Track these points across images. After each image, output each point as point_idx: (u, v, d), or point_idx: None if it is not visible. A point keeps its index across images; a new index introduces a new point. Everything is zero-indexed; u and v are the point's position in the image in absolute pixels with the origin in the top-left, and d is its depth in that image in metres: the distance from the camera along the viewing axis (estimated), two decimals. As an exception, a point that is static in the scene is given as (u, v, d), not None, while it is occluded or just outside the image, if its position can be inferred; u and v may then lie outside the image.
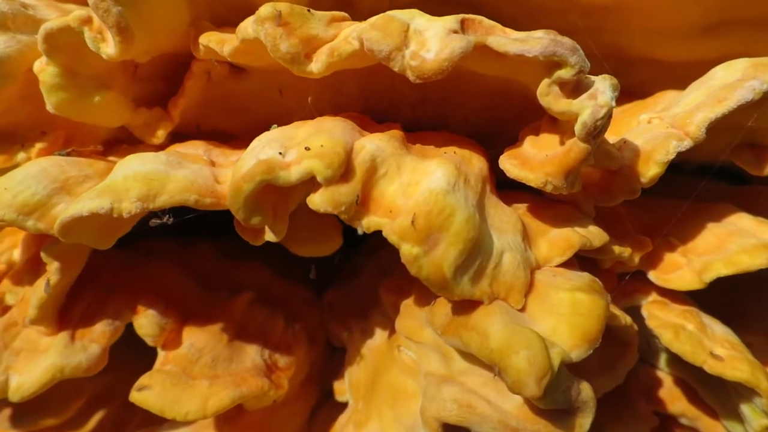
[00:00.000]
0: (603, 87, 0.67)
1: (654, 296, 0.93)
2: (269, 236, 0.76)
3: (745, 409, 0.86)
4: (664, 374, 1.05)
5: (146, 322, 0.89)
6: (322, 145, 0.66)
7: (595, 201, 0.86)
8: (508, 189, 0.84)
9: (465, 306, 0.70)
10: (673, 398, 1.02)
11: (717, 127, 0.88)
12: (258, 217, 0.68)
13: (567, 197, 0.84)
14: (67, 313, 0.87)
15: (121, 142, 0.96)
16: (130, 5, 0.76)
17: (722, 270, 0.83)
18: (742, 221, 0.91)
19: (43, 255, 0.79)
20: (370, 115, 0.96)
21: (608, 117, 0.67)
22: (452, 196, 0.66)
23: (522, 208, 0.83)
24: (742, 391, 0.85)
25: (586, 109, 0.66)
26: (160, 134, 0.92)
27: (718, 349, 0.83)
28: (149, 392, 0.80)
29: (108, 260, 1.00)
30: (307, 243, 0.98)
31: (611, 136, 0.86)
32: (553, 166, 0.72)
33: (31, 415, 1.05)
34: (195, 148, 0.88)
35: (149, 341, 0.89)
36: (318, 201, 0.66)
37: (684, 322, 0.86)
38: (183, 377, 0.83)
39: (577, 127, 0.67)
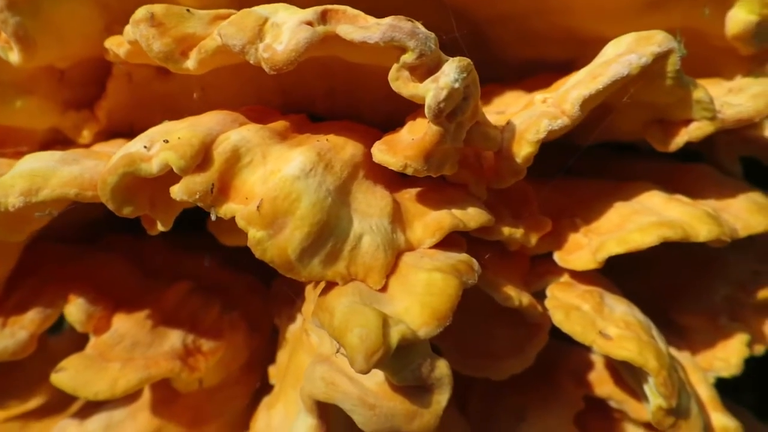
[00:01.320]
0: (448, 69, 0.68)
1: (565, 278, 0.93)
2: (159, 226, 0.80)
3: (646, 389, 0.85)
4: (597, 357, 1.04)
5: (74, 310, 0.95)
6: (179, 138, 0.70)
7: (489, 183, 0.86)
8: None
9: (327, 288, 0.73)
10: (601, 381, 1.01)
11: (625, 105, 0.87)
12: (129, 207, 0.73)
13: (457, 180, 0.85)
14: (2, 303, 0.95)
15: (56, 143, 1.03)
16: (28, 15, 0.82)
17: (614, 249, 0.82)
18: (651, 200, 0.90)
19: (-32, 249, 0.87)
20: (290, 107, 0.99)
21: (454, 98, 0.68)
22: (301, 182, 0.69)
23: (412, 192, 0.84)
24: (642, 371, 0.84)
25: (429, 92, 0.67)
26: (86, 134, 0.98)
27: (610, 328, 0.82)
28: (64, 374, 0.87)
29: (55, 254, 1.07)
30: (230, 232, 1.02)
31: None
32: (413, 149, 0.73)
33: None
34: (115, 146, 0.94)
35: (77, 327, 0.95)
36: (175, 190, 0.70)
37: (580, 302, 0.85)
38: (98, 360, 0.89)
39: (426, 110, 0.69)
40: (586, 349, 1.06)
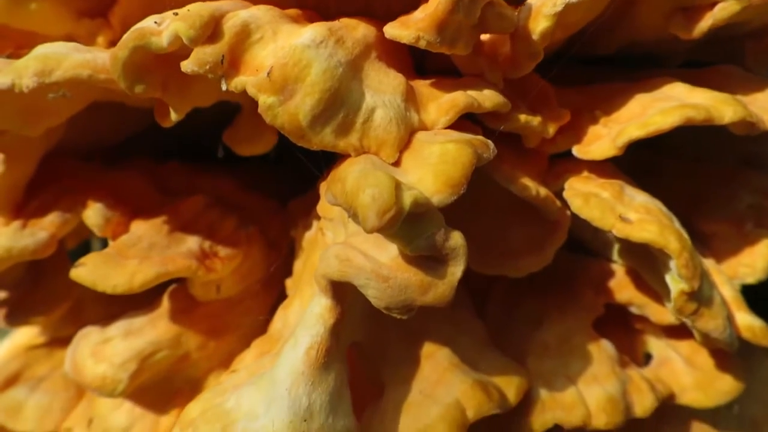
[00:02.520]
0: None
1: (585, 173, 0.91)
2: (173, 115, 0.80)
3: (667, 279, 0.83)
4: (617, 266, 1.03)
5: (92, 214, 0.96)
6: (188, 10, 0.70)
7: (505, 73, 0.84)
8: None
9: (339, 162, 0.72)
10: (621, 287, 0.99)
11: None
12: (141, 85, 0.73)
13: (472, 70, 0.83)
14: (23, 208, 0.96)
15: (72, 53, 1.03)
16: None
17: (635, 132, 0.80)
18: (674, 90, 0.87)
19: (-13, 147, 0.88)
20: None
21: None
22: (312, 50, 0.68)
23: (425, 81, 0.83)
24: (662, 259, 0.82)
25: (440, -46, 0.66)
26: (101, 41, 0.98)
27: (630, 214, 0.80)
28: (83, 268, 0.88)
29: (73, 168, 1.08)
30: (245, 142, 1.02)
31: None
32: (425, 21, 0.72)
33: (22, 312, 1.16)
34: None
35: (96, 231, 0.96)
36: (186, 63, 0.69)
37: (600, 190, 0.83)
38: (116, 257, 0.90)
39: (438, -24, 0.67)
40: (605, 260, 1.05)
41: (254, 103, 0.98)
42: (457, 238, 0.68)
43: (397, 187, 0.64)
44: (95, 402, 1.09)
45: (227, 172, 1.20)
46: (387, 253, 0.71)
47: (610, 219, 0.79)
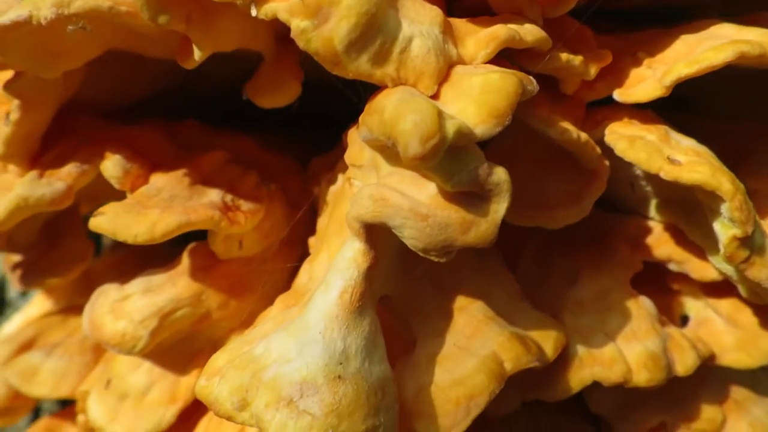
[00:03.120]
0: None
1: (626, 119, 0.86)
2: (196, 53, 0.77)
3: (716, 227, 0.78)
4: (654, 223, 0.98)
5: (111, 165, 0.93)
6: (216, -66, 0.66)
7: (544, 12, 0.80)
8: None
9: (374, 95, 0.68)
10: (659, 243, 0.95)
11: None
12: (165, 16, 0.69)
13: (509, 7, 0.79)
14: (39, 158, 0.93)
15: None
16: None
17: (684, 70, 0.76)
18: (722, 29, 0.82)
19: (4, 92, 0.85)
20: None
21: None
22: (347, -28, 0.64)
23: (461, 19, 0.79)
24: (711, 205, 0.78)
25: None
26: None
27: (679, 155, 0.76)
28: (103, 217, 0.85)
29: (90, 122, 1.05)
30: (267, 93, 0.98)
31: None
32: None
33: (37, 273, 1.13)
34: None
35: (115, 183, 0.93)
36: (215, -11, 0.66)
37: (645, 133, 0.79)
38: (137, 207, 0.87)
39: None
40: (643, 217, 1.01)
41: (277, 51, 0.95)
42: (501, 173, 0.65)
43: (440, 114, 0.60)
44: (113, 363, 1.06)
45: (245, 134, 1.17)
46: (425, 191, 0.67)
47: (657, 161, 0.75)
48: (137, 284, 0.99)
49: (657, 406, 1.01)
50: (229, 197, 0.95)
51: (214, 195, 0.94)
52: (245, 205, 0.97)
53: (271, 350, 0.67)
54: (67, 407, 1.29)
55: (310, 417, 0.60)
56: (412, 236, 0.66)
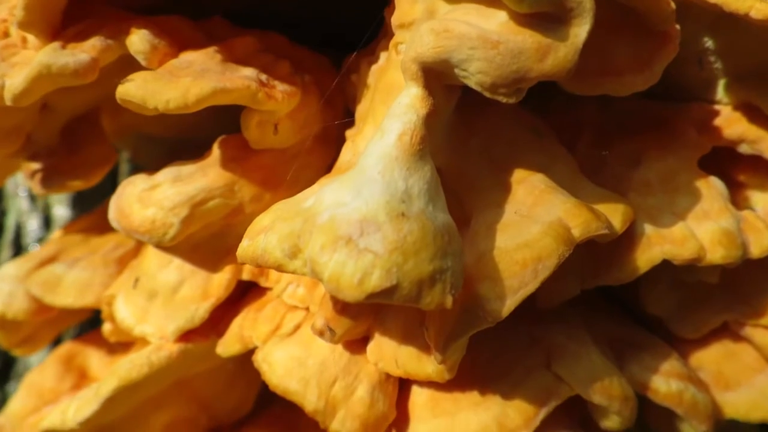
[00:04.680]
0: None
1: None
2: None
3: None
4: (722, 106, 0.91)
5: (137, 39, 0.86)
6: None
7: None
8: None
9: None
10: (730, 122, 0.88)
11: None
12: None
13: None
14: (61, 32, 0.87)
15: None
16: None
17: None
18: None
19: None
20: None
21: None
22: None
23: None
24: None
25: None
26: None
27: (768, -2, 0.68)
28: (131, 84, 0.78)
29: (111, 9, 0.98)
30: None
31: None
32: None
33: (59, 176, 1.08)
34: None
35: (141, 60, 0.86)
36: None
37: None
38: (167, 75, 0.80)
39: None
40: (708, 102, 0.93)
41: None
42: (582, -9, 0.57)
43: None
44: (142, 261, 1.01)
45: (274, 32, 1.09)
46: (494, 19, 0.60)
47: (746, 1, 0.67)
48: (166, 173, 0.93)
49: (719, 306, 0.95)
50: (264, 76, 0.89)
51: (248, 72, 0.87)
52: (281, 85, 0.90)
53: (323, 199, 0.61)
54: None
55: (372, 255, 0.54)
56: (479, 69, 0.60)
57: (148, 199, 0.89)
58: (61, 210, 1.52)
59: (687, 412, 0.86)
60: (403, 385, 0.87)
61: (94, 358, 1.15)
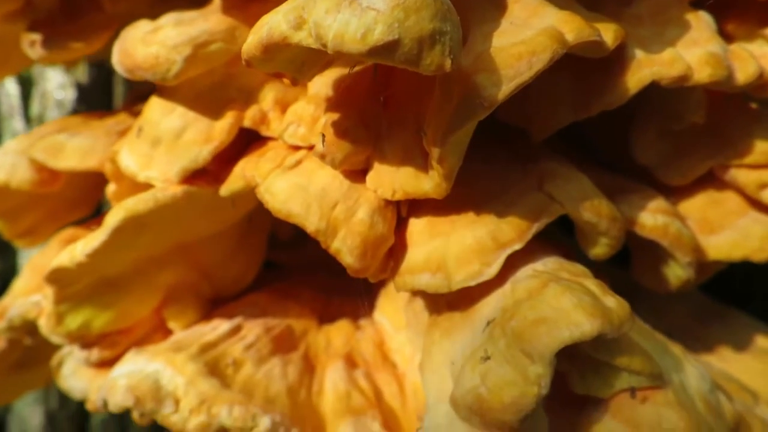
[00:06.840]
0: None
1: None
2: None
3: None
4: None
5: None
6: None
7: None
8: None
9: None
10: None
11: None
12: None
13: None
14: None
15: None
16: None
17: None
18: None
19: None
20: None
21: None
22: None
23: None
24: None
25: None
26: None
27: None
28: None
29: None
30: None
31: None
32: None
33: (60, 38, 1.09)
34: None
35: None
36: None
37: None
38: None
39: None
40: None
41: None
42: None
43: None
44: (144, 111, 1.03)
45: None
46: None
47: None
48: (168, 18, 0.95)
49: (705, 151, 0.98)
50: None
51: None
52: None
53: None
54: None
55: (374, 12, 0.56)
56: None
57: (152, 39, 0.91)
58: (55, 133, 1.53)
59: (672, 243, 0.90)
60: (401, 223, 0.90)
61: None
